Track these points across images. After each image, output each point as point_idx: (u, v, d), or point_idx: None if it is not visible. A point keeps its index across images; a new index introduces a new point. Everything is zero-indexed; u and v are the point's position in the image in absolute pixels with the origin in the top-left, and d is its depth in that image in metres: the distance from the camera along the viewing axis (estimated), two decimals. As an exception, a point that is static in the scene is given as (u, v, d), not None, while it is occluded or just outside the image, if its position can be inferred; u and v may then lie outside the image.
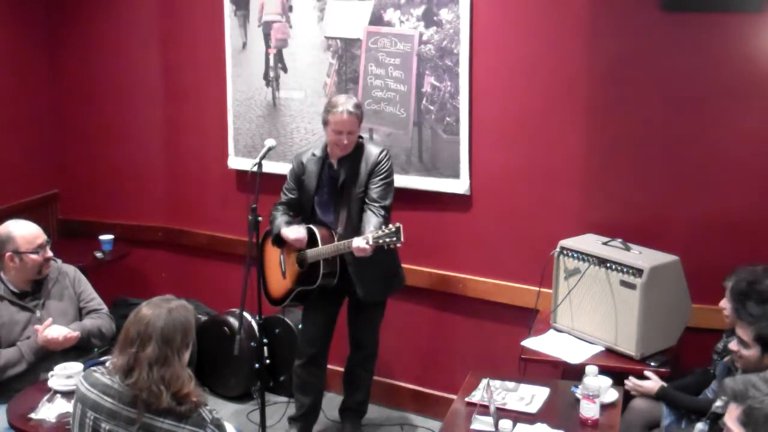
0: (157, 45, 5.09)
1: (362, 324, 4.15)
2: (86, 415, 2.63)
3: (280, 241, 3.99)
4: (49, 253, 3.66)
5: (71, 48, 5.29)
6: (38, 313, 3.60)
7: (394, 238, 3.62)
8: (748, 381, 2.08)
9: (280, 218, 4.00)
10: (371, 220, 3.82)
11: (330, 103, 3.88)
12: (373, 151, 3.93)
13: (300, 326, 4.25)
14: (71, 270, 3.83)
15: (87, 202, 5.43)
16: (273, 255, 4.10)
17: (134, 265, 5.30)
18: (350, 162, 3.91)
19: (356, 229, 3.88)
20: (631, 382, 3.42)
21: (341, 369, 4.31)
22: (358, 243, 3.66)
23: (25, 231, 3.60)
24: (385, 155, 3.94)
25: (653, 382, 3.39)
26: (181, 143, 5.14)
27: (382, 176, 3.90)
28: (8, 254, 3.56)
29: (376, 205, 3.87)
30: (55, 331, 3.49)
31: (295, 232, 3.90)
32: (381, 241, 3.63)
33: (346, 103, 3.81)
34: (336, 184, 3.93)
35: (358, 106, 3.87)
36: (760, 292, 3.17)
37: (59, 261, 3.82)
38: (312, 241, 3.90)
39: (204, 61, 4.95)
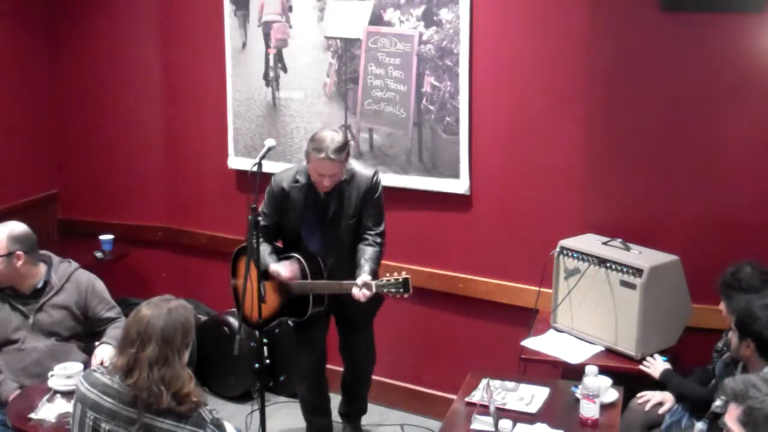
0: (157, 45, 5.09)
1: (358, 345, 4.06)
2: (86, 415, 2.63)
3: (267, 275, 3.73)
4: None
5: (71, 48, 5.29)
6: (31, 319, 3.56)
7: (402, 290, 3.49)
8: (748, 381, 2.09)
9: (262, 248, 3.65)
10: (367, 252, 3.66)
11: (314, 141, 3.57)
12: (364, 174, 3.73)
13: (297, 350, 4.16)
14: (84, 279, 3.69)
15: (87, 202, 5.42)
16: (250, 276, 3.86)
17: (134, 265, 5.30)
18: (339, 190, 3.69)
19: (347, 259, 3.74)
20: (647, 360, 3.46)
21: (340, 369, 4.30)
22: (360, 293, 3.53)
23: None
24: (378, 179, 3.75)
25: (659, 363, 3.42)
26: (181, 143, 5.13)
27: (376, 202, 3.74)
28: None
29: (372, 233, 3.71)
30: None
31: (287, 270, 3.68)
32: (386, 290, 3.52)
33: (329, 147, 3.50)
34: (324, 213, 3.72)
35: (342, 149, 3.53)
36: (740, 279, 3.24)
37: (73, 265, 3.72)
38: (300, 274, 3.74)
39: (204, 61, 4.95)
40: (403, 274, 3.54)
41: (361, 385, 4.20)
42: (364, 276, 3.59)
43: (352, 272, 3.68)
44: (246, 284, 3.54)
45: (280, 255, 3.82)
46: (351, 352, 4.10)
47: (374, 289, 3.55)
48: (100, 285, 3.74)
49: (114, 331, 3.62)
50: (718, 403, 3.05)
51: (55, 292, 3.62)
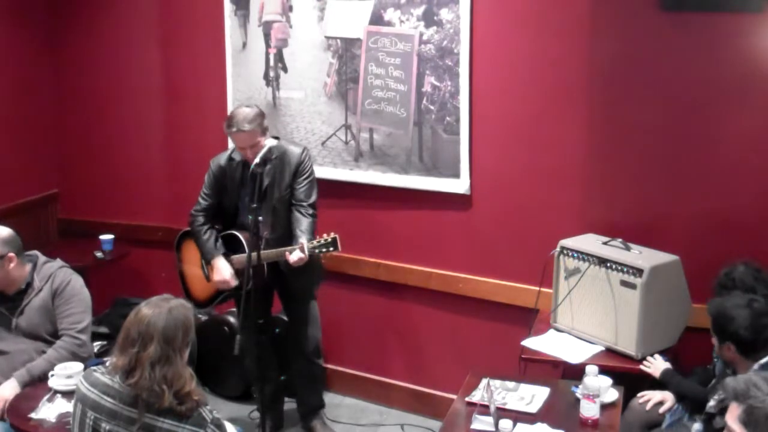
0: (157, 45, 5.09)
1: (299, 318, 4.17)
2: (86, 415, 2.63)
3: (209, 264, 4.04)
4: None
5: (71, 48, 5.29)
6: (14, 322, 3.53)
7: (331, 248, 3.71)
8: (749, 380, 2.09)
9: (207, 236, 4.02)
10: (302, 221, 3.89)
11: (227, 119, 3.89)
12: (294, 151, 3.98)
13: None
14: (60, 278, 3.61)
15: (87, 202, 5.42)
16: (193, 258, 4.15)
17: (134, 265, 5.30)
18: (272, 165, 3.92)
19: (284, 232, 3.93)
20: (647, 360, 3.46)
21: (340, 368, 4.31)
22: (297, 255, 3.72)
23: None
24: (307, 154, 4.01)
25: (659, 363, 3.42)
26: (181, 143, 5.13)
27: (305, 176, 3.96)
28: None
29: (304, 204, 3.93)
30: None
31: (227, 274, 3.94)
32: (317, 250, 3.72)
33: (240, 122, 3.81)
34: (260, 187, 3.92)
35: (253, 119, 3.83)
36: (734, 279, 3.26)
37: (56, 265, 3.66)
38: (237, 247, 3.96)
39: (204, 61, 4.95)
40: (332, 234, 3.72)
41: (312, 366, 4.23)
42: (300, 241, 3.78)
43: (287, 242, 3.88)
44: (248, 266, 3.71)
45: (222, 233, 4.06)
46: (295, 329, 4.20)
47: (307, 251, 3.70)
48: (73, 289, 3.61)
49: (51, 354, 3.46)
50: (711, 403, 3.06)
51: (36, 293, 3.57)
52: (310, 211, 3.94)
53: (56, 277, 3.61)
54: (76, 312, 3.59)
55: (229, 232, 4.04)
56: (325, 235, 3.75)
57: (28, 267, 3.60)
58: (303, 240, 3.77)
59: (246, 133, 3.82)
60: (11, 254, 3.51)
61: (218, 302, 4.16)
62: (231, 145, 3.86)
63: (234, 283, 3.95)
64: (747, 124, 3.67)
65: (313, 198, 3.97)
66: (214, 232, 4.05)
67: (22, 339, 3.53)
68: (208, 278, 4.09)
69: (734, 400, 2.04)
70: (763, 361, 3.02)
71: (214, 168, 4.04)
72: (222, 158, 4.04)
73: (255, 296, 3.80)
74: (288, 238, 3.92)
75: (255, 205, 3.71)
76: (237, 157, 3.97)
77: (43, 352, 3.51)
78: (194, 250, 4.13)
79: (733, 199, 3.72)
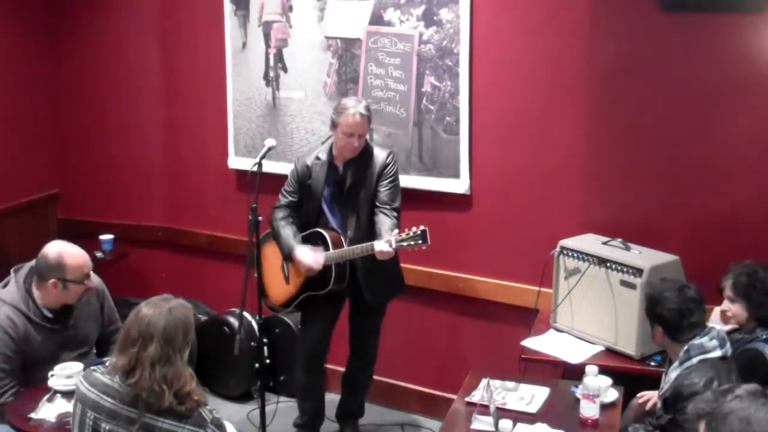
0: (157, 45, 5.09)
1: (365, 328, 4.12)
2: (86, 415, 2.63)
3: (290, 257, 3.89)
4: (92, 282, 3.52)
5: (71, 48, 5.29)
6: (63, 336, 3.50)
7: (420, 241, 3.60)
8: (702, 399, 2.17)
9: (286, 231, 3.90)
10: (386, 222, 3.80)
11: (340, 105, 3.84)
12: (380, 154, 3.92)
13: (299, 329, 4.23)
14: (98, 284, 3.66)
15: (87, 202, 5.42)
16: (273, 259, 4.02)
17: (134, 265, 5.30)
18: (356, 165, 3.88)
19: (366, 232, 3.85)
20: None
21: (340, 368, 4.31)
22: (381, 247, 3.64)
23: (75, 260, 3.45)
24: (393, 158, 3.93)
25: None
26: (181, 143, 5.13)
27: (390, 179, 3.89)
28: (53, 281, 3.40)
29: (388, 207, 3.85)
30: None
31: (310, 258, 3.80)
32: (405, 243, 3.62)
33: (357, 106, 3.78)
34: (342, 187, 3.90)
35: (368, 108, 3.84)
36: (764, 281, 3.24)
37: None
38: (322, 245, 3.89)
39: (204, 61, 4.95)
40: (421, 227, 3.62)
41: (363, 375, 4.23)
42: (386, 236, 3.71)
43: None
44: (248, 267, 3.69)
45: (303, 232, 3.95)
46: (357, 334, 4.14)
47: (394, 245, 3.63)
48: (107, 290, 3.74)
49: None
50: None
51: (83, 302, 3.57)
52: (395, 214, 3.84)
53: (96, 286, 3.63)
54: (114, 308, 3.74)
55: (314, 230, 3.93)
56: (414, 228, 3.64)
57: None
58: (389, 236, 3.68)
59: (365, 118, 3.78)
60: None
61: (296, 305, 4.02)
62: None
63: (318, 265, 3.80)
64: (747, 124, 3.67)
65: (397, 203, 3.89)
66: (293, 226, 3.94)
67: (69, 352, 3.50)
68: (287, 280, 4.00)
69: (698, 422, 2.07)
70: (686, 347, 3.05)
71: (299, 166, 3.96)
72: (308, 157, 3.97)
73: (325, 298, 3.86)
74: (368, 237, 3.82)
75: (254, 205, 3.69)
76: (323, 156, 3.91)
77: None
78: (272, 252, 4.01)
79: (733, 199, 3.72)
